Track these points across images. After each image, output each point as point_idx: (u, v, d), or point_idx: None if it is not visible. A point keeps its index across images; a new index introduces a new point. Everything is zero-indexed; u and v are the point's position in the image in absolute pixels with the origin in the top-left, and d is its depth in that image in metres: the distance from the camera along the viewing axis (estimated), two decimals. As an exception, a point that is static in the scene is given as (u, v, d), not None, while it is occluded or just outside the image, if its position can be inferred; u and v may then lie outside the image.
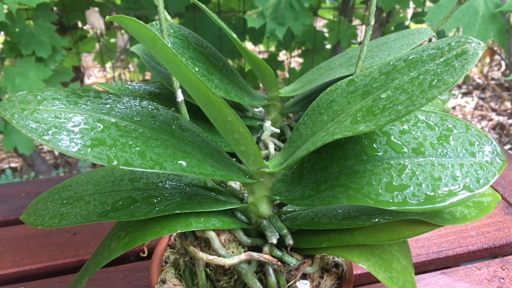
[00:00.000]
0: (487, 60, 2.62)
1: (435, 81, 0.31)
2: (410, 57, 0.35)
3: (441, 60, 0.32)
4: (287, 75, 1.94)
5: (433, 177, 0.33)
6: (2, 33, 1.38)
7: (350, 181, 0.35)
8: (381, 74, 0.36)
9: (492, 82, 2.53)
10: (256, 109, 0.56)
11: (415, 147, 0.36)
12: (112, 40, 1.92)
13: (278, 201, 0.40)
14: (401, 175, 0.34)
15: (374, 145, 0.36)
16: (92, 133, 0.31)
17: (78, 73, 1.90)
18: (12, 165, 1.91)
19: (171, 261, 0.42)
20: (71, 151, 0.29)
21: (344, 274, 0.41)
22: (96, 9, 1.56)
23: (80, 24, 1.72)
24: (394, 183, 0.33)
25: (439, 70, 0.32)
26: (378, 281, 0.58)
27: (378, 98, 0.33)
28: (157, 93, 0.51)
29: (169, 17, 0.49)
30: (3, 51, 1.41)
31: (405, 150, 0.36)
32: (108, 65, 2.03)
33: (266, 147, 0.48)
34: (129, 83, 0.51)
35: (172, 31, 0.48)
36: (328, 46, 1.64)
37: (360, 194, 0.33)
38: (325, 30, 1.66)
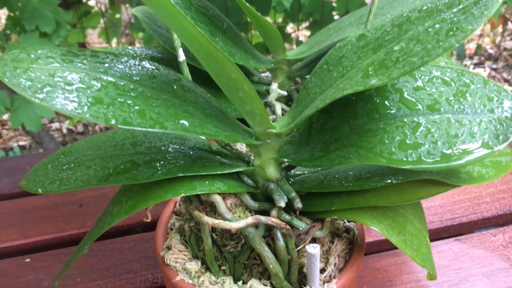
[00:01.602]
0: (500, 29, 2.56)
1: (453, 29, 0.29)
2: (425, 7, 0.33)
3: (459, 8, 0.30)
4: (295, 48, 1.91)
5: (449, 134, 0.32)
6: (5, 9, 1.36)
7: (361, 140, 0.33)
8: (393, 27, 0.34)
9: (505, 52, 2.48)
10: (263, 74, 0.55)
11: (430, 104, 0.34)
12: (117, 16, 1.89)
13: (286, 164, 0.38)
14: (415, 133, 0.32)
15: (387, 102, 0.35)
16: (89, 91, 0.30)
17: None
18: (21, 143, 1.91)
19: (177, 227, 0.40)
20: (66, 109, 0.28)
21: (355, 239, 0.39)
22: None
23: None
24: (408, 141, 0.32)
25: (456, 18, 0.30)
26: (389, 249, 0.57)
27: (391, 51, 0.31)
28: (159, 57, 0.49)
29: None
30: (6, 26, 1.39)
31: (420, 107, 0.34)
32: (114, 41, 2.01)
33: (273, 112, 0.46)
34: (130, 48, 0.49)
35: (173, -9, 0.46)
36: (336, 17, 1.60)
37: (372, 153, 0.32)
38: None
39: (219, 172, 0.35)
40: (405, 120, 0.33)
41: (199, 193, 0.34)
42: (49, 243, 0.59)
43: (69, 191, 0.64)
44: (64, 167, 0.36)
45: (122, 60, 0.35)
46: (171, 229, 0.41)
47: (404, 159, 0.31)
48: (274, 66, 0.50)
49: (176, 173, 0.34)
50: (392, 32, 0.33)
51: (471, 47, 2.32)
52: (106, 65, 0.33)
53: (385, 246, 0.57)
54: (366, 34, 0.35)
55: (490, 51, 2.52)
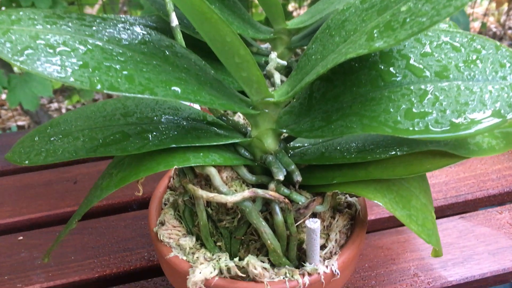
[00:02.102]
0: (505, 8, 2.51)
1: (465, -14, 0.26)
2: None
3: (471, -36, 0.28)
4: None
5: (459, 102, 0.30)
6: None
7: (364, 109, 0.31)
8: (400, -13, 0.31)
9: (509, 31, 2.44)
10: (262, 46, 0.52)
11: (439, 71, 0.32)
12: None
13: (285, 135, 0.36)
14: (422, 101, 0.30)
15: (392, 69, 0.33)
16: (73, 55, 0.28)
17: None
18: (20, 123, 1.89)
19: (171, 202, 0.39)
20: (48, 73, 0.26)
21: (357, 214, 0.38)
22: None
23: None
24: (414, 110, 0.30)
25: (468, -25, 0.27)
26: (392, 227, 0.55)
27: (397, 12, 0.29)
28: (153, 27, 0.47)
29: None
30: (2, 3, 1.36)
31: (427, 74, 0.32)
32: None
33: (272, 84, 0.44)
34: (122, 16, 0.47)
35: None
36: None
37: (377, 122, 0.30)
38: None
39: (214, 144, 0.33)
40: (412, 87, 0.31)
41: (193, 165, 0.32)
42: (43, 221, 0.58)
43: (63, 169, 0.62)
44: (51, 139, 0.34)
45: (111, 24, 0.33)
46: (166, 205, 0.40)
47: (411, 128, 0.29)
48: (273, 36, 0.48)
49: (169, 144, 0.32)
50: (399, -8, 0.31)
51: (475, 26, 2.29)
52: (93, 28, 0.31)
53: (387, 224, 0.56)
54: (370, -4, 0.33)
55: (495, 30, 2.48)
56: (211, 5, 0.43)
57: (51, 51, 0.27)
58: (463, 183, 0.60)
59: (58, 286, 0.49)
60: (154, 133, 0.33)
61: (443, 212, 0.57)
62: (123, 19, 0.45)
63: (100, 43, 0.30)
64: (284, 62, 0.42)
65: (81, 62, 0.27)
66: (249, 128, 0.35)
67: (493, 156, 0.64)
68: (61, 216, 0.58)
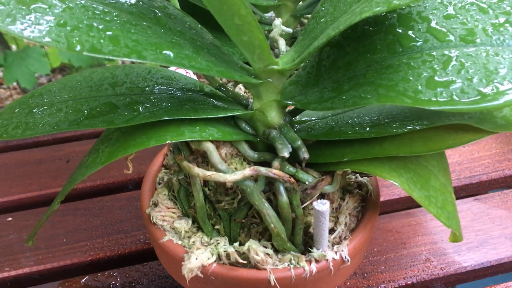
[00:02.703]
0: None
1: None
2: None
3: None
4: None
5: (488, 69, 0.26)
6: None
7: (380, 77, 0.28)
8: None
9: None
10: (266, 14, 0.49)
11: (464, 34, 0.28)
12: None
13: (291, 108, 0.33)
14: (446, 68, 0.27)
15: (411, 33, 0.29)
16: (49, 11, 0.24)
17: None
18: (18, 102, 1.85)
19: (165, 181, 0.35)
20: (19, 30, 0.22)
21: (369, 195, 0.34)
22: None
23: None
24: (437, 78, 0.26)
25: None
26: (402, 209, 0.52)
27: (420, -35, 0.25)
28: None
29: None
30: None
31: (451, 38, 0.28)
32: None
33: (277, 56, 0.40)
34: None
35: None
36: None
37: (394, 91, 0.26)
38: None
39: (212, 116, 0.29)
40: (434, 53, 0.28)
41: (188, 139, 0.28)
42: (33, 201, 0.55)
43: (55, 147, 0.59)
44: (32, 110, 0.31)
45: (96, -19, 0.29)
46: (160, 184, 0.36)
47: (433, 99, 0.26)
48: (277, 3, 0.44)
49: (161, 116, 0.28)
50: None
51: None
52: (75, -15, 0.28)
53: (397, 206, 0.53)
54: (388, -50, 0.29)
55: None
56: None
57: (24, 7, 0.24)
58: (477, 163, 0.56)
59: (48, 270, 0.46)
60: (146, 104, 0.30)
61: (457, 193, 0.54)
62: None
63: (82, 0, 0.26)
64: (290, 30, 0.38)
65: (58, 21, 0.24)
66: (251, 100, 0.32)
67: (509, 134, 0.61)
68: (53, 196, 0.55)
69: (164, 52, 0.26)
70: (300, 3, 0.46)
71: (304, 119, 0.33)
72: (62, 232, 0.50)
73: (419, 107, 0.25)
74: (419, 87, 0.26)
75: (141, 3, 0.29)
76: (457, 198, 0.52)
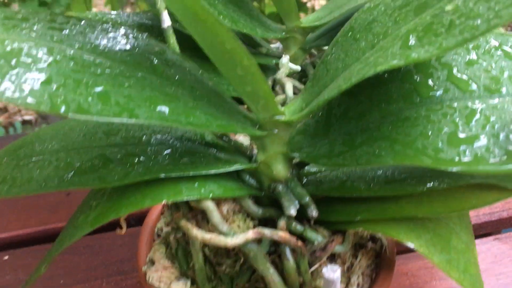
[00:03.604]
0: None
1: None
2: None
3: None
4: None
5: (516, 124, 0.24)
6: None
7: (397, 131, 0.25)
8: (443, -20, 0.25)
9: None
10: (272, 45, 0.46)
11: (488, 84, 0.26)
12: (124, -16, 1.80)
13: (298, 160, 0.30)
14: (469, 122, 0.24)
15: (430, 81, 0.27)
16: (34, 66, 0.22)
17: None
18: (26, 117, 1.85)
19: (163, 235, 0.33)
20: (-4, 92, 0.20)
21: (383, 251, 0.32)
22: None
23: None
24: (460, 134, 0.24)
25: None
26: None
27: (440, 12, 0.23)
28: (149, 25, 0.41)
29: None
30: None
31: (474, 87, 0.26)
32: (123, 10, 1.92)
33: (283, 91, 0.38)
34: (114, 13, 0.41)
35: None
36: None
37: (412, 149, 0.24)
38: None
39: (213, 172, 0.27)
40: (455, 105, 0.25)
41: (186, 199, 0.26)
42: (31, 237, 0.53)
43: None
44: (20, 162, 0.29)
45: (87, 26, 0.27)
46: (159, 235, 0.34)
47: (456, 159, 0.23)
48: (285, 35, 0.42)
49: (157, 174, 0.26)
50: (441, -13, 0.25)
51: None
52: (65, 31, 0.26)
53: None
54: (404, -9, 0.27)
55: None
56: (215, 0, 0.38)
57: (5, 63, 0.21)
58: (497, 198, 0.53)
59: (44, 315, 0.44)
60: (141, 157, 0.28)
61: (475, 232, 0.51)
62: (116, 19, 0.39)
63: (71, 51, 0.24)
64: (298, 67, 0.36)
65: (43, 77, 0.22)
66: (255, 151, 0.30)
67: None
68: (51, 233, 0.53)
69: (158, 108, 0.23)
70: (310, 35, 0.44)
71: (313, 169, 0.31)
72: (61, 272, 0.48)
73: (440, 168, 0.23)
74: (440, 144, 0.24)
75: (137, 50, 0.27)
76: (476, 237, 0.49)
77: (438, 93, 0.26)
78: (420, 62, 0.27)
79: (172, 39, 0.31)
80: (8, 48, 0.22)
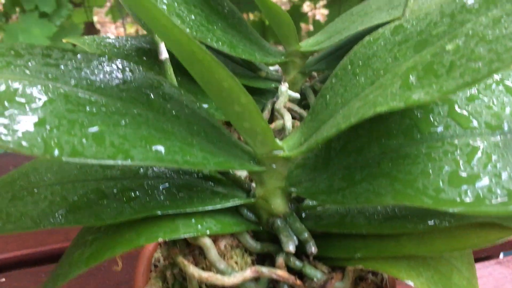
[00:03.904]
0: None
1: (536, 22, 0.20)
2: (488, -11, 0.24)
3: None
4: (311, 28, 1.80)
5: (518, 164, 0.23)
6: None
7: (397, 169, 0.25)
8: (443, 16, 0.25)
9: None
10: (271, 68, 0.46)
11: (489, 120, 0.25)
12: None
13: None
14: (470, 161, 0.24)
15: (431, 117, 0.26)
16: (27, 108, 0.22)
17: (92, 29, 1.80)
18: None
19: (159, 269, 0.33)
20: (-12, 137, 0.20)
21: (384, 284, 0.31)
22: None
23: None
24: (461, 173, 0.23)
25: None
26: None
27: (441, 51, 0.23)
28: (147, 49, 0.41)
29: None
30: (6, 6, 1.32)
31: (475, 124, 0.25)
32: (120, 21, 1.92)
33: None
34: (112, 37, 0.41)
35: (160, -32, 0.37)
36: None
37: (413, 189, 0.23)
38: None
39: (210, 208, 0.27)
40: (456, 142, 0.25)
41: (183, 236, 0.26)
42: (29, 258, 0.52)
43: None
44: (14, 195, 0.28)
45: (84, 60, 0.27)
46: (155, 266, 0.34)
47: (457, 199, 0.23)
48: (285, 59, 0.42)
49: (153, 211, 0.26)
50: (441, 23, 0.25)
51: None
52: (60, 67, 0.25)
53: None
54: (404, 25, 0.27)
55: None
56: (213, 26, 0.37)
57: (-2, 105, 0.21)
58: (498, 220, 0.53)
59: None
60: (137, 192, 0.27)
61: (476, 255, 0.51)
62: (114, 43, 0.39)
63: (66, 89, 0.24)
64: (297, 95, 0.36)
65: (36, 118, 0.21)
66: (253, 184, 0.29)
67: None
68: (49, 254, 0.52)
69: (154, 148, 0.23)
70: (309, 58, 0.43)
71: (312, 203, 0.30)
72: (57, 296, 0.47)
73: (441, 209, 0.23)
74: (441, 184, 0.23)
75: (133, 84, 0.27)
76: (476, 261, 0.49)
77: (439, 129, 0.26)
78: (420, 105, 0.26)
79: (170, 71, 0.30)
80: (2, 88, 0.22)
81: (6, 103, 0.21)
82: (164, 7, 0.35)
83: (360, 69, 0.27)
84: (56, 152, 0.20)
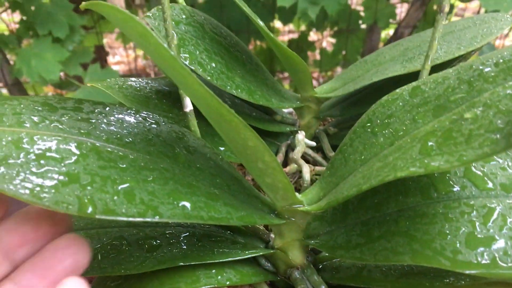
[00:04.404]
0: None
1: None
2: (506, 58, 0.25)
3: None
4: (318, 57, 1.82)
5: (533, 227, 0.24)
6: (18, 12, 1.32)
7: (414, 228, 0.25)
8: (461, 82, 0.26)
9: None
10: (285, 110, 0.47)
11: (505, 182, 0.26)
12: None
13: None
14: (487, 222, 0.24)
15: (448, 177, 0.27)
16: (62, 165, 0.22)
17: (101, 53, 1.83)
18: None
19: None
20: (23, 194, 0.20)
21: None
22: (117, -14, 1.47)
23: (101, 2, 1.63)
24: (477, 235, 0.24)
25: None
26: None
27: (459, 118, 0.24)
28: (167, 91, 0.42)
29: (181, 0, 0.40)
30: (19, 31, 1.34)
31: (491, 185, 0.26)
32: (131, 44, 1.95)
33: (298, 164, 0.38)
34: (133, 79, 0.42)
35: (184, 16, 0.39)
36: (363, 26, 1.52)
37: (431, 249, 0.24)
38: (360, 8, 1.54)
39: (231, 259, 0.27)
40: (473, 203, 0.26)
41: (204, 287, 0.26)
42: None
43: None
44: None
45: (113, 112, 0.28)
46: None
47: (474, 261, 0.23)
48: (300, 105, 0.43)
49: (175, 262, 0.26)
50: (459, 89, 0.26)
51: None
52: (92, 121, 0.26)
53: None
54: (422, 87, 0.28)
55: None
56: (232, 73, 0.39)
57: (34, 163, 0.22)
58: None
59: None
60: (159, 241, 0.28)
61: None
62: (136, 86, 0.40)
63: (97, 144, 0.25)
64: (313, 143, 0.36)
65: (70, 175, 0.22)
66: (272, 235, 0.30)
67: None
68: None
69: (181, 203, 0.24)
70: (323, 103, 0.45)
71: (329, 255, 0.31)
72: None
73: (458, 271, 0.23)
74: (458, 245, 0.24)
75: (160, 138, 0.28)
76: None
77: (456, 189, 0.26)
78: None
79: (194, 123, 0.31)
80: (39, 147, 0.23)
81: (42, 161, 0.22)
82: (187, 55, 0.36)
83: (379, 128, 0.28)
84: (90, 210, 0.21)
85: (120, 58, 2.53)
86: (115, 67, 2.08)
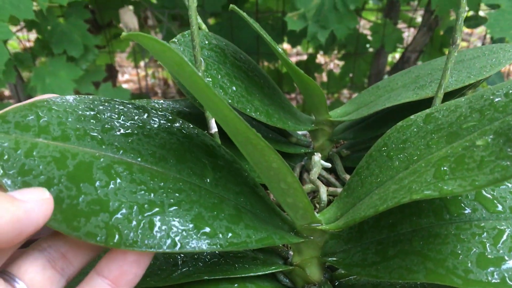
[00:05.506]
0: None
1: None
2: (513, 91, 0.27)
3: None
4: (325, 79, 1.85)
5: (541, 250, 0.25)
6: (34, 30, 1.35)
7: (428, 248, 0.27)
8: (472, 111, 0.28)
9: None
10: (299, 132, 0.49)
11: (514, 205, 0.28)
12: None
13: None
14: (497, 243, 0.26)
15: (459, 199, 0.28)
16: (97, 189, 0.24)
17: (112, 71, 1.86)
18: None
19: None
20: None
21: None
22: (130, 7, 1.51)
23: (114, 22, 1.67)
24: (488, 255, 0.25)
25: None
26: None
27: (471, 145, 0.25)
28: (187, 112, 0.44)
29: (203, 26, 0.42)
30: (34, 49, 1.37)
31: (500, 208, 0.28)
32: (142, 63, 1.99)
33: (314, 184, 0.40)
34: (155, 101, 0.44)
35: (206, 42, 0.41)
36: (371, 50, 1.55)
37: (444, 268, 0.25)
38: (368, 32, 1.57)
39: (252, 274, 0.29)
40: (483, 224, 0.27)
41: (227, 301, 0.28)
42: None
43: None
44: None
45: (151, 122, 0.29)
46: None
47: (485, 280, 0.25)
48: (314, 127, 0.44)
49: (201, 276, 0.28)
50: (471, 118, 0.27)
51: None
52: (130, 131, 0.28)
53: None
54: (435, 115, 0.29)
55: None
56: (252, 97, 0.40)
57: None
58: None
59: None
60: (183, 256, 0.30)
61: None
62: (158, 107, 0.42)
63: (130, 160, 0.26)
64: (329, 165, 0.38)
65: (101, 203, 0.23)
66: (291, 252, 0.31)
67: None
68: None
69: (202, 231, 0.25)
70: (337, 126, 0.46)
71: (345, 272, 0.32)
72: None
73: (469, 289, 0.25)
74: (469, 264, 0.25)
75: (192, 154, 0.29)
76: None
77: (467, 211, 0.28)
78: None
79: (218, 141, 0.33)
80: (75, 161, 0.24)
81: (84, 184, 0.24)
82: (210, 79, 0.38)
83: (394, 152, 0.29)
84: (116, 238, 0.23)
85: (129, 76, 2.57)
86: (124, 85, 2.12)
